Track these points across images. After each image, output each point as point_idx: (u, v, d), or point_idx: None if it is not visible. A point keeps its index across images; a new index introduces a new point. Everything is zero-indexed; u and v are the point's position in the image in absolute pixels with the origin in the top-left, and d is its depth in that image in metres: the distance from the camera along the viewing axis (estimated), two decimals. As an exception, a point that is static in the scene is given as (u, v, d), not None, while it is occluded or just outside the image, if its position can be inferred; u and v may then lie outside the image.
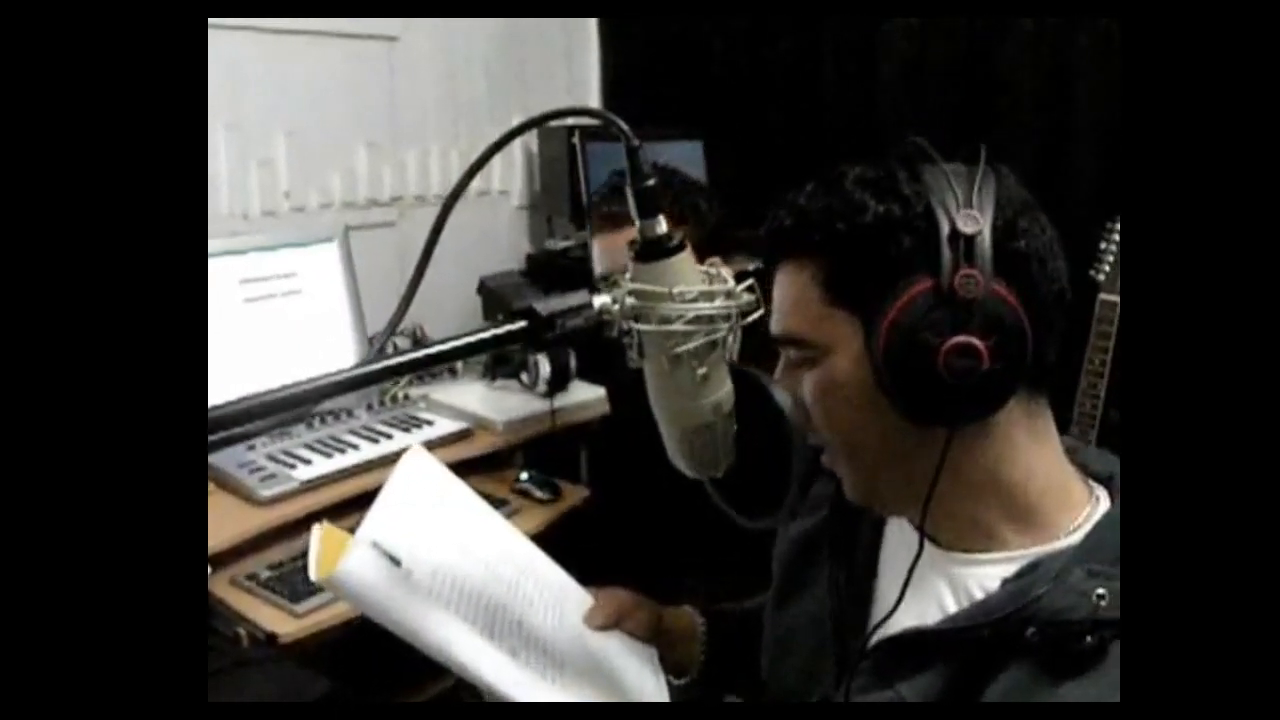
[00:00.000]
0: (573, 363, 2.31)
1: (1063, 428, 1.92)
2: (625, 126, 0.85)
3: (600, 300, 0.84)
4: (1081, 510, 0.85)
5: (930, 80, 2.52)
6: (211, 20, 2.21)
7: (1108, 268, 2.08)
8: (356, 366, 0.74)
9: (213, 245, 1.98)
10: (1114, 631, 0.73)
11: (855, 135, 2.60)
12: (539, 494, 2.03)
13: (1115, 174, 2.26)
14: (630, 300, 0.84)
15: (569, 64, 3.12)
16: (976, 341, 0.75)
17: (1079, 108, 2.32)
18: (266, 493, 1.81)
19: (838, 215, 0.82)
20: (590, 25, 3.12)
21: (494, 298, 2.46)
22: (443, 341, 0.77)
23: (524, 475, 2.07)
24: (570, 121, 2.95)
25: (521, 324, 0.80)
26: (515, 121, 0.88)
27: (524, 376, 2.32)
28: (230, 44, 2.26)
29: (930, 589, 0.88)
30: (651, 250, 0.85)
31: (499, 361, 2.40)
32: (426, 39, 2.72)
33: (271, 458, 1.91)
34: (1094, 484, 0.89)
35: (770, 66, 2.76)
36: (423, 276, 0.86)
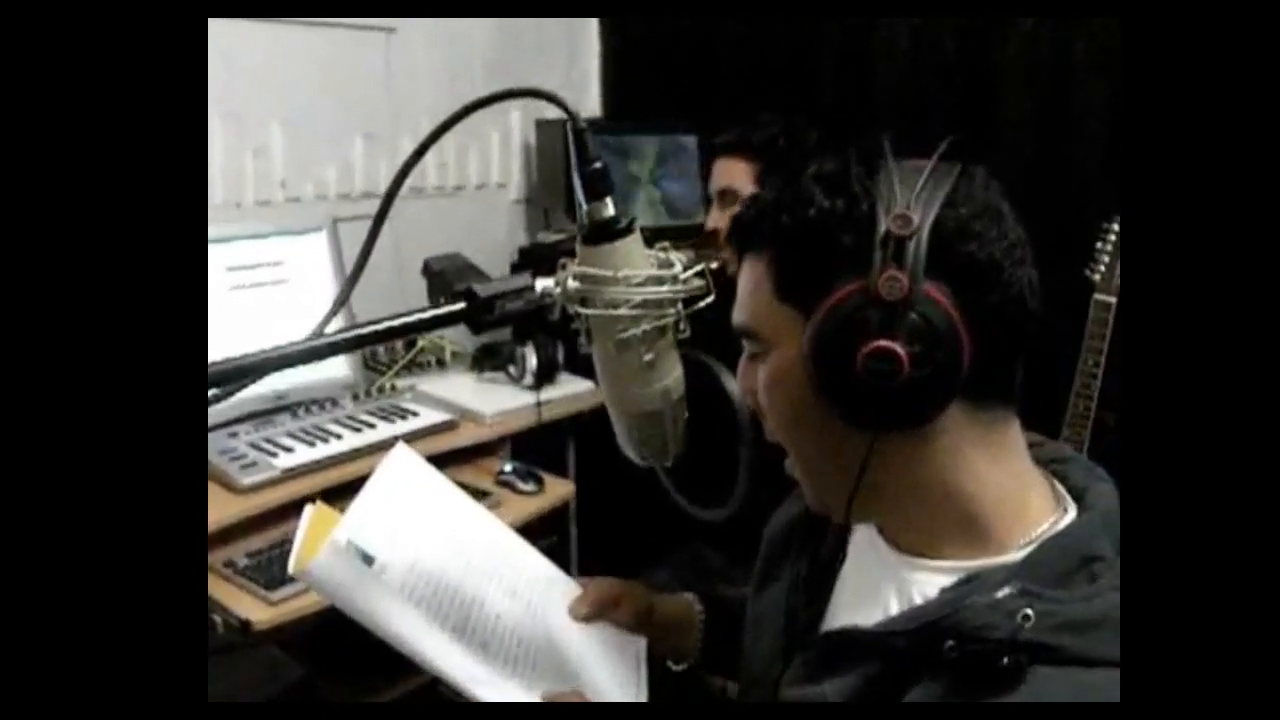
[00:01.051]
0: (560, 355, 2.30)
1: (1055, 430, 1.90)
2: (571, 108, 0.84)
3: (543, 283, 0.83)
4: (1039, 525, 0.81)
5: (928, 77, 2.50)
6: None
7: (1103, 268, 2.05)
8: (286, 345, 0.73)
9: (199, 232, 1.98)
10: (1033, 655, 0.71)
11: (852, 130, 2.58)
12: (522, 486, 2.02)
13: (1113, 174, 2.24)
14: (574, 284, 0.83)
15: (568, 56, 3.11)
16: (896, 347, 0.72)
17: (1077, 107, 2.29)
18: (247, 480, 1.80)
19: (785, 209, 0.80)
20: (591, 19, 3.11)
21: (438, 279, 2.42)
22: (376, 322, 0.76)
23: (508, 467, 2.06)
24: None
25: (459, 305, 0.79)
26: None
27: (511, 369, 2.32)
28: (226, 33, 2.26)
29: (879, 591, 0.86)
30: (599, 233, 0.84)
31: (487, 353, 2.39)
32: (424, 30, 2.71)
33: (254, 445, 1.91)
34: (1067, 497, 0.85)
35: (769, 61, 2.74)
36: (366, 263, 0.85)
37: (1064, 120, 2.33)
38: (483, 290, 0.79)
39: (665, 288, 0.85)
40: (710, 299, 0.88)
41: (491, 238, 2.91)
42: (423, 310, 0.80)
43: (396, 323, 0.77)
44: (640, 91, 3.04)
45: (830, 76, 2.66)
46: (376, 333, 0.77)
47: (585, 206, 0.84)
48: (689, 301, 0.88)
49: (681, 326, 0.88)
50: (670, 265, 0.86)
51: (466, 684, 0.96)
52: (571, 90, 3.11)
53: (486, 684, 0.97)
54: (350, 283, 0.89)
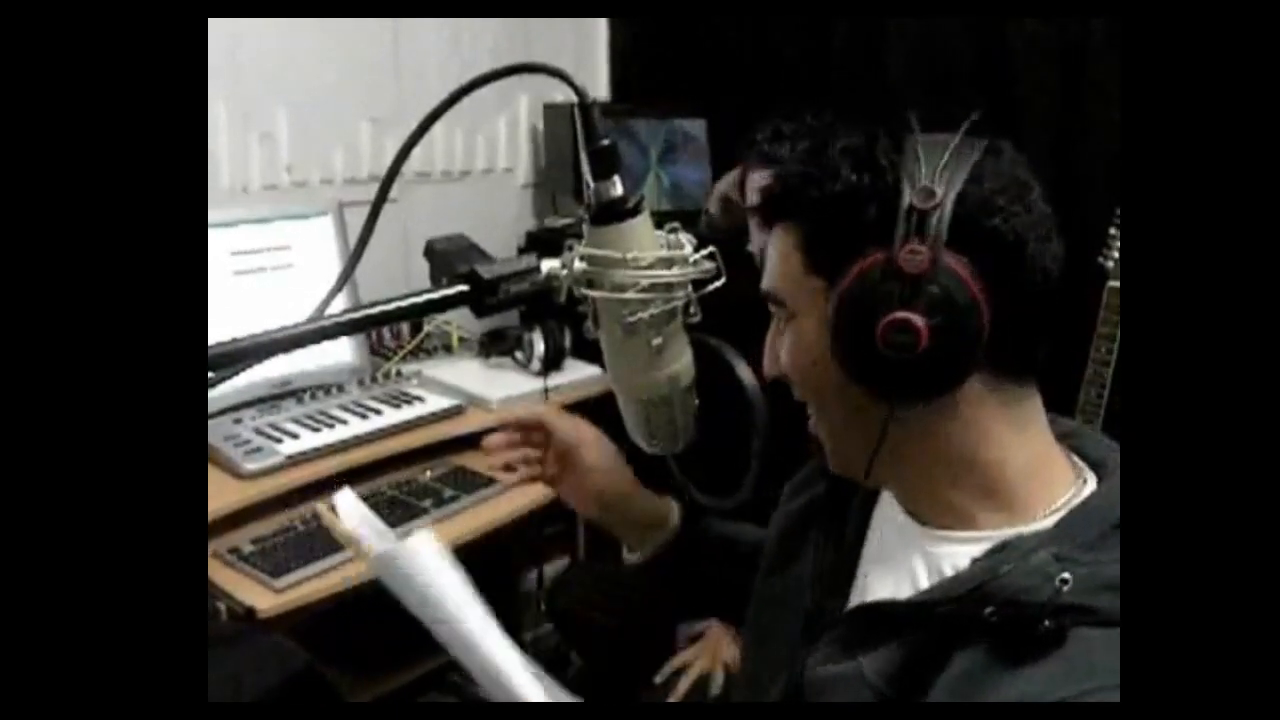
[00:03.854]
0: (568, 341, 2.28)
1: (1067, 415, 1.88)
2: (578, 84, 0.82)
3: (549, 265, 0.81)
4: (1063, 494, 0.82)
5: (941, 61, 2.47)
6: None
7: (1116, 254, 2.02)
8: (285, 328, 0.71)
9: (204, 216, 1.96)
10: (1074, 618, 0.71)
11: (862, 115, 2.55)
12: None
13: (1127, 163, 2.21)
14: (581, 265, 0.81)
15: (577, 40, 3.08)
16: (916, 318, 0.73)
17: (1092, 96, 2.26)
18: (251, 466, 1.79)
19: (813, 182, 0.80)
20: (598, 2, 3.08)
21: (441, 261, 2.39)
22: (372, 305, 0.74)
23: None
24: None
25: (462, 288, 0.77)
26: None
27: (519, 354, 2.30)
28: (234, 17, 2.24)
29: (906, 564, 0.87)
30: (606, 213, 0.82)
31: (494, 339, 2.37)
32: (432, 15, 2.68)
33: (259, 431, 1.89)
34: (1085, 468, 0.86)
35: (778, 47, 2.70)
36: (367, 242, 0.83)
37: (1077, 109, 2.29)
38: (487, 272, 0.77)
39: (675, 270, 0.83)
40: (721, 281, 0.86)
41: (499, 222, 2.88)
42: (425, 292, 0.78)
43: (397, 305, 0.75)
44: (648, 77, 3.00)
45: (839, 58, 2.62)
46: (376, 315, 0.75)
47: (592, 185, 0.82)
48: (699, 284, 0.86)
49: (692, 310, 0.86)
50: (680, 246, 0.84)
51: (502, 667, 0.92)
52: (580, 75, 3.07)
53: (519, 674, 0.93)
54: (351, 263, 0.87)
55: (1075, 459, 0.87)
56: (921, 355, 0.74)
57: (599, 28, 3.11)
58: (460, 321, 2.50)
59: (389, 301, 0.77)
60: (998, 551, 0.78)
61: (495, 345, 2.37)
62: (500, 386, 2.22)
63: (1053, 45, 2.30)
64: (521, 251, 2.76)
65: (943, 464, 0.82)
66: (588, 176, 0.81)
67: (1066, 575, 0.72)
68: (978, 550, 0.80)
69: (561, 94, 2.99)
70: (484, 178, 2.87)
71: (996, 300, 0.75)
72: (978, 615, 0.74)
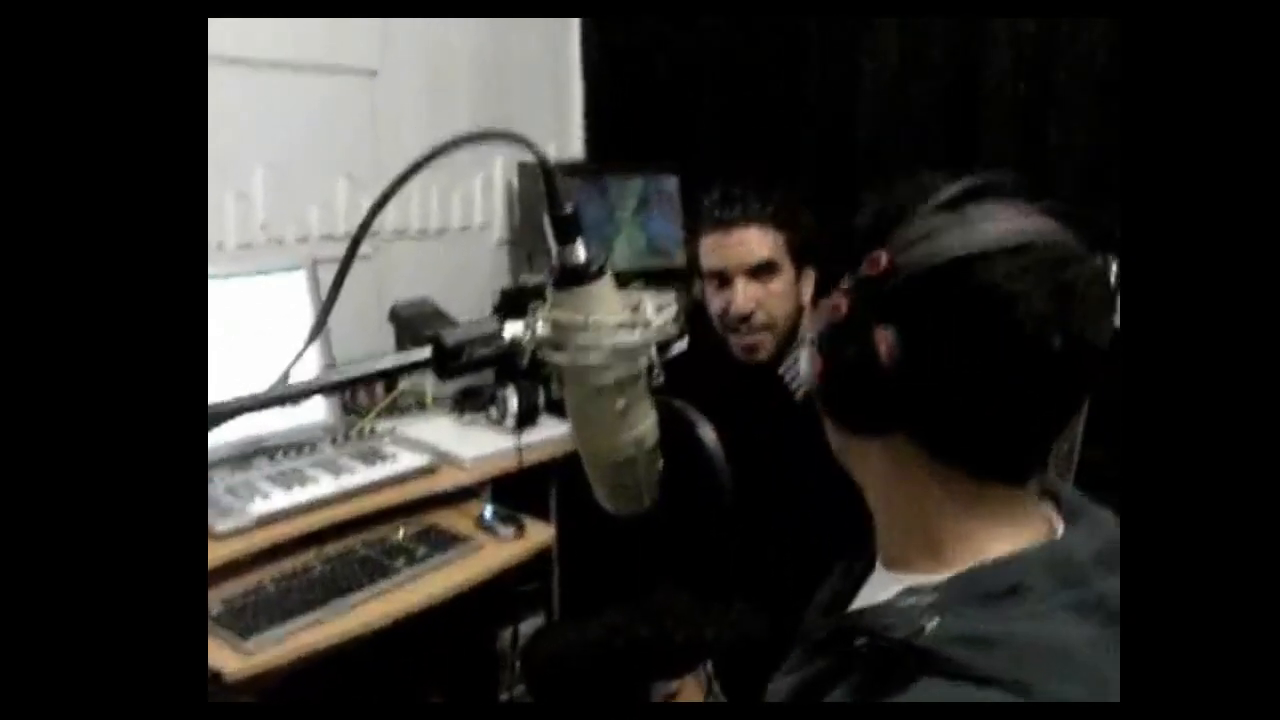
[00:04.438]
0: (541, 398, 2.28)
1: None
2: (543, 152, 0.83)
3: (512, 329, 0.81)
4: (1002, 550, 0.80)
5: (911, 119, 2.51)
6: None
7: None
8: (247, 397, 0.72)
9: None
10: (927, 664, 0.71)
11: (832, 175, 2.59)
12: (503, 531, 1.99)
13: (1096, 207, 2.24)
14: (544, 329, 0.82)
15: (553, 97, 3.12)
16: (818, 357, 0.80)
17: (1056, 141, 2.30)
18: (222, 527, 1.77)
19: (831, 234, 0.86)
20: (574, 61, 3.12)
21: (406, 325, 2.42)
22: (338, 369, 0.74)
23: (488, 511, 2.04)
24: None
25: (425, 353, 0.78)
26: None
27: (492, 411, 2.30)
28: (210, 76, 2.25)
29: (866, 599, 0.89)
30: (569, 277, 0.83)
31: (468, 396, 2.37)
32: (408, 73, 2.71)
33: (230, 490, 1.88)
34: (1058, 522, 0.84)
35: (749, 103, 2.75)
36: (333, 306, 0.83)
37: (1043, 156, 2.33)
38: (450, 337, 0.78)
39: (637, 334, 0.84)
40: (684, 343, 0.87)
41: (474, 279, 2.89)
42: (389, 356, 0.78)
43: (363, 370, 0.75)
44: (622, 134, 3.05)
45: (810, 117, 2.67)
46: (341, 381, 0.75)
47: (555, 250, 0.83)
48: (662, 346, 0.86)
49: (655, 372, 0.87)
50: (643, 309, 0.85)
51: None
52: (556, 133, 3.12)
53: None
54: (318, 324, 0.87)
55: (1053, 514, 0.84)
56: (828, 388, 0.80)
57: (574, 86, 3.15)
58: (433, 379, 2.50)
59: (356, 364, 0.77)
60: (903, 594, 0.78)
61: (468, 402, 2.37)
62: (473, 444, 2.22)
63: (1018, 93, 2.34)
64: (496, 309, 2.77)
65: (885, 503, 0.85)
66: (550, 242, 0.82)
67: (932, 620, 0.73)
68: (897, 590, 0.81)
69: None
70: (460, 235, 2.89)
71: (925, 377, 0.74)
72: (851, 645, 0.76)
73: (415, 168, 0.81)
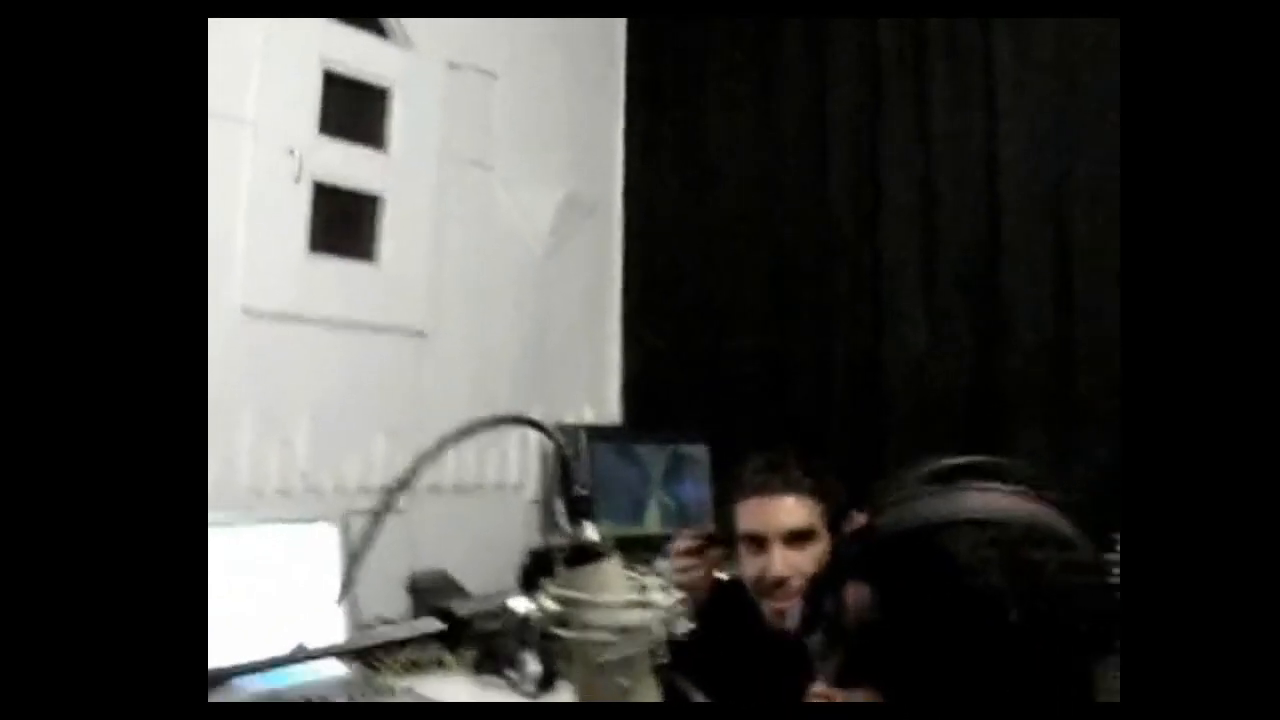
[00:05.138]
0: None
1: None
2: (561, 438, 0.89)
3: (522, 604, 0.85)
4: None
5: (939, 390, 2.59)
6: (246, 306, 2.37)
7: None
8: (261, 659, 0.75)
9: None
10: None
11: (861, 450, 2.65)
12: (514, 802, 1.94)
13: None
14: (551, 606, 0.85)
15: (591, 363, 3.26)
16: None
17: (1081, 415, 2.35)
18: (227, 782, 1.74)
19: None
20: (614, 332, 3.29)
21: (421, 596, 2.48)
22: (353, 638, 0.77)
23: (502, 780, 1.99)
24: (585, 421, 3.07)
25: (438, 625, 0.81)
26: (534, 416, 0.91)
27: (511, 673, 2.27)
28: (266, 331, 2.40)
29: None
30: (580, 555, 0.87)
31: (487, 656, 2.35)
32: (456, 337, 2.86)
33: (240, 745, 1.86)
34: None
35: (780, 376, 2.85)
36: (359, 562, 0.87)
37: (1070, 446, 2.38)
38: (460, 609, 0.81)
39: (644, 613, 0.86)
40: (691, 627, 0.89)
41: (507, 536, 2.92)
42: (404, 625, 0.81)
43: (376, 639, 0.78)
44: (656, 402, 3.16)
45: (840, 398, 2.75)
46: (354, 649, 0.78)
47: (568, 530, 0.87)
48: (669, 627, 0.89)
49: (660, 652, 0.89)
50: (649, 590, 0.88)
51: None
52: (593, 397, 3.23)
53: None
54: (346, 584, 0.91)
55: None
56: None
57: (613, 352, 3.29)
58: (455, 637, 2.49)
59: (372, 631, 0.81)
60: None
61: (487, 664, 2.35)
62: (490, 707, 2.18)
63: (1042, 373, 2.41)
64: (524, 568, 2.79)
65: None
66: (563, 523, 0.86)
67: None
68: None
69: (572, 414, 3.13)
70: (495, 492, 2.94)
71: (886, 628, 0.78)
72: None
73: (440, 448, 0.86)
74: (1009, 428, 2.43)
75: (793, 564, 1.81)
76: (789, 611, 1.81)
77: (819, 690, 1.23)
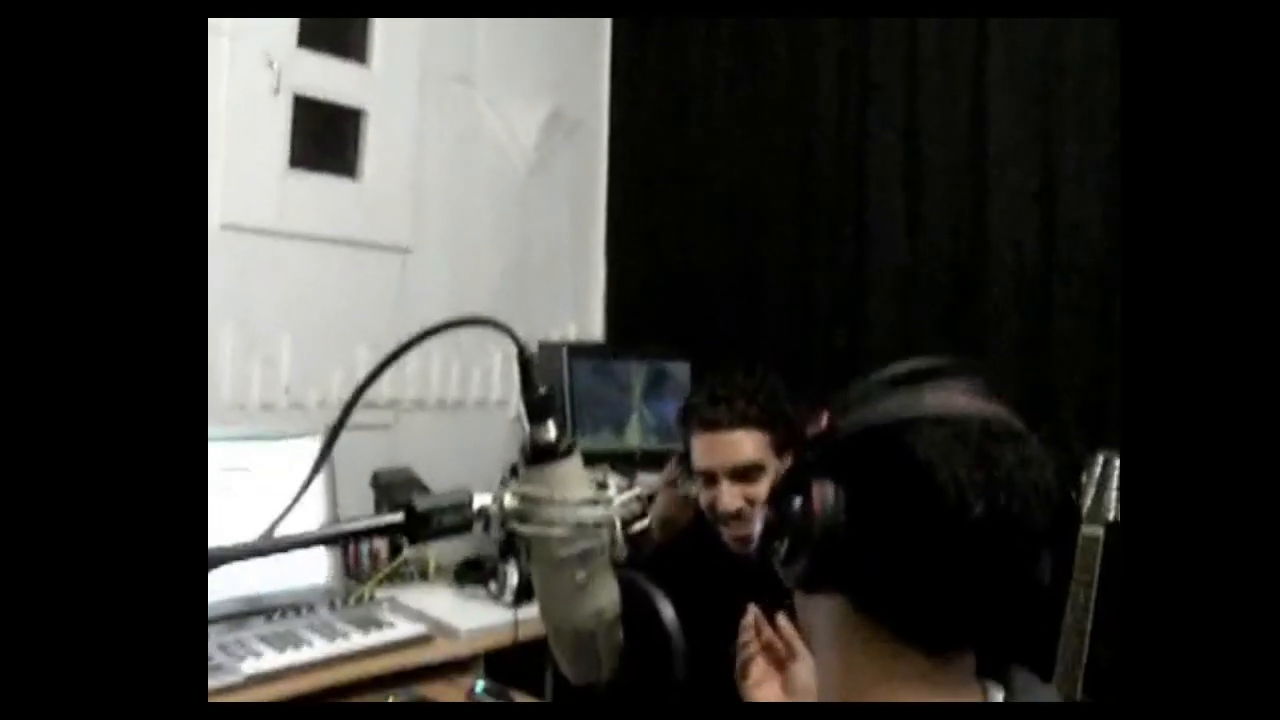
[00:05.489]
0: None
1: (1047, 669, 1.86)
2: (520, 338, 0.90)
3: (481, 500, 0.87)
4: None
5: (920, 309, 2.60)
6: (225, 223, 2.36)
7: (1089, 499, 2.04)
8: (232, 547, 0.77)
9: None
10: None
11: (843, 367, 2.66)
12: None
13: (1096, 402, 2.29)
14: (512, 502, 0.87)
15: (575, 278, 3.27)
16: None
17: (1063, 326, 2.37)
18: (211, 684, 1.78)
19: None
20: (598, 249, 3.29)
21: (384, 492, 2.53)
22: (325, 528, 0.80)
23: (479, 686, 2.03)
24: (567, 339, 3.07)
25: (397, 517, 0.83)
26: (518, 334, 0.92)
27: (492, 584, 2.32)
28: (243, 247, 2.40)
29: None
30: (540, 454, 0.89)
31: (469, 568, 2.40)
32: (439, 253, 2.86)
33: (222, 648, 1.90)
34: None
35: (763, 301, 2.87)
36: (319, 471, 0.89)
37: (1047, 342, 2.40)
38: (420, 504, 0.83)
39: (600, 509, 0.89)
40: (645, 523, 0.91)
41: (490, 452, 2.95)
42: (362, 519, 0.83)
43: (329, 532, 0.81)
44: (638, 319, 3.18)
45: (822, 314, 2.77)
46: (310, 538, 0.80)
47: (528, 429, 0.89)
48: (625, 524, 0.91)
49: (617, 547, 0.91)
50: (607, 488, 0.90)
51: None
52: (577, 314, 3.24)
53: None
54: (306, 482, 0.91)
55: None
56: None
57: (597, 270, 3.29)
58: (438, 548, 2.53)
59: (332, 525, 0.82)
60: None
61: (470, 575, 2.40)
62: (470, 616, 2.24)
63: (1023, 280, 2.43)
64: (503, 482, 2.82)
65: (822, 667, 0.88)
66: (524, 422, 0.88)
67: None
68: None
69: (557, 331, 3.14)
70: (478, 408, 2.97)
71: (869, 538, 0.78)
72: None
73: (404, 348, 0.88)
74: (990, 339, 2.45)
75: (744, 495, 1.82)
76: (750, 537, 1.83)
77: (751, 620, 1.26)
